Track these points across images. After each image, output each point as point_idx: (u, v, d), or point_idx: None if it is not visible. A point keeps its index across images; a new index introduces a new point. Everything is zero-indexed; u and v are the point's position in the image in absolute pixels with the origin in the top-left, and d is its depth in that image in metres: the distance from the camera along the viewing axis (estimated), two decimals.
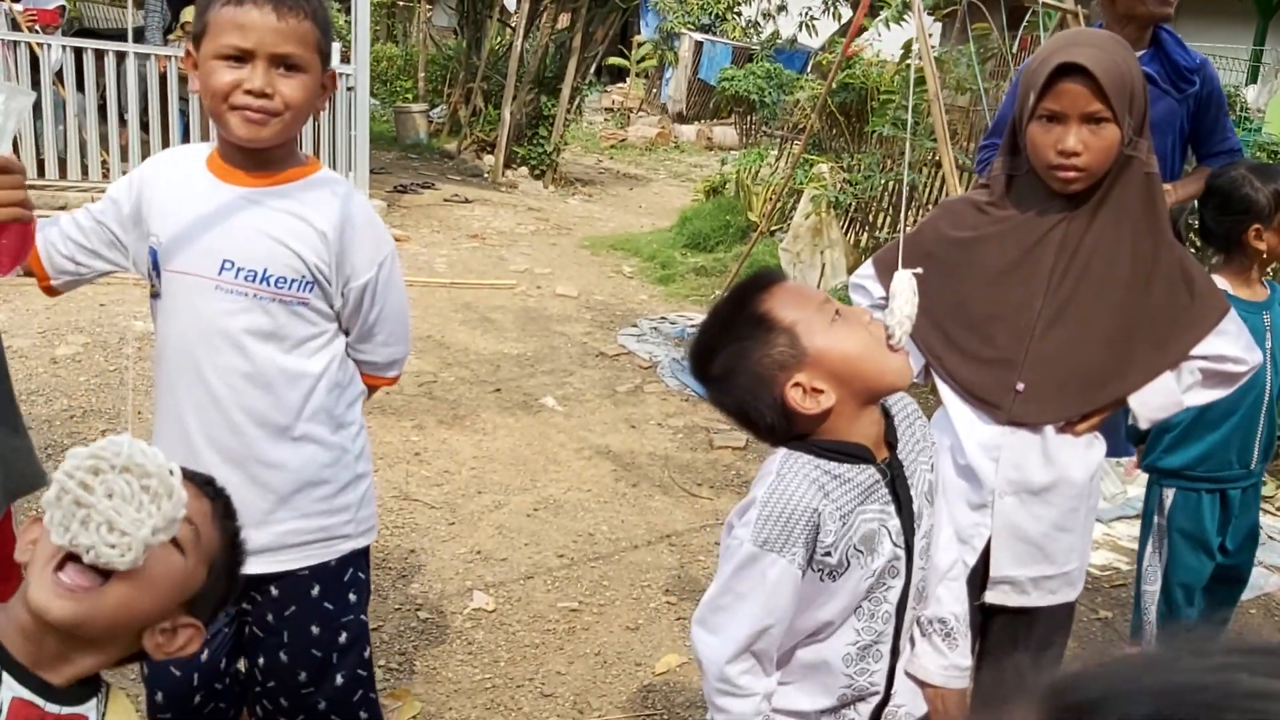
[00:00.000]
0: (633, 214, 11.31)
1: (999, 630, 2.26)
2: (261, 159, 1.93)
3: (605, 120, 19.54)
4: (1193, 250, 6.40)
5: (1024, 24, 6.55)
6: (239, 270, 1.91)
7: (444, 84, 14.98)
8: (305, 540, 2.03)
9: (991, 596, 2.19)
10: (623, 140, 17.62)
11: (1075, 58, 1.96)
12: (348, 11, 9.11)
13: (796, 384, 1.58)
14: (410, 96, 15.38)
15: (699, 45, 19.95)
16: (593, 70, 12.84)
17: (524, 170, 12.18)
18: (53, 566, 1.20)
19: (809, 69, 16.35)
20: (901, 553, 1.68)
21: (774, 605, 1.59)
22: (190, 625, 1.33)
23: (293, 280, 1.93)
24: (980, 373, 2.13)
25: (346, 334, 2.07)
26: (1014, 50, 7.03)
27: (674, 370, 5.93)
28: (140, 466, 1.22)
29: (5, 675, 1.19)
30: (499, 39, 14.38)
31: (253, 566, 1.65)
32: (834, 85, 7.66)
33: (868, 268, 2.29)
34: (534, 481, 4.38)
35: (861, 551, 1.62)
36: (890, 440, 1.70)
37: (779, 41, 19.02)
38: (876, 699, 1.75)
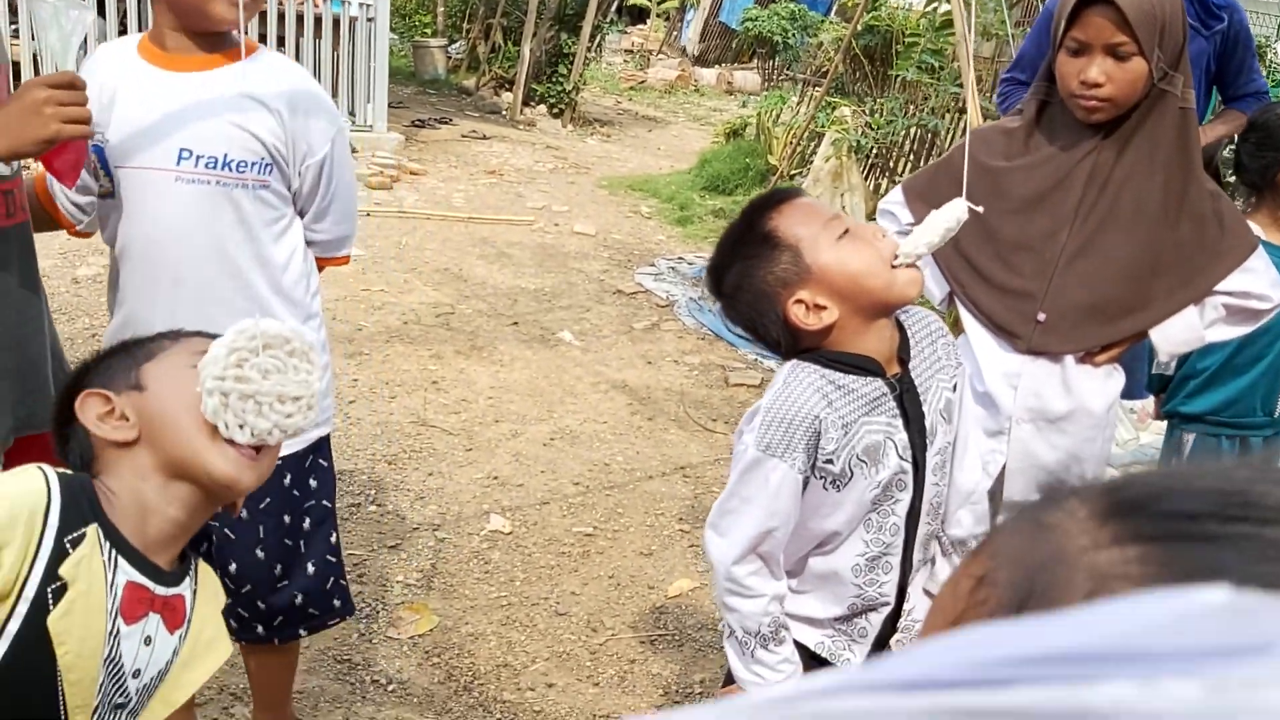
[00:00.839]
0: (651, 155, 11.26)
1: None
2: (210, 41, 1.89)
3: (625, 62, 19.36)
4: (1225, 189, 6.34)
5: None
6: (198, 158, 1.88)
7: (463, 19, 14.83)
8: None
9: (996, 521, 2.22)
10: (642, 82, 17.47)
11: None
12: None
13: (799, 300, 1.62)
14: (429, 31, 15.24)
15: None
16: (614, 9, 12.69)
17: (542, 109, 12.11)
18: (222, 440, 1.23)
19: (833, 11, 16.17)
20: (909, 466, 1.71)
21: (776, 508, 1.64)
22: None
23: (253, 163, 1.91)
24: (1003, 302, 2.14)
25: (301, 215, 2.07)
26: None
27: (691, 309, 5.94)
28: (275, 337, 1.26)
29: (121, 560, 1.23)
30: None
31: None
32: (859, 28, 7.58)
33: (896, 194, 2.30)
34: (550, 412, 4.42)
35: (865, 462, 1.66)
36: (904, 356, 1.72)
37: None
38: (887, 609, 1.80)
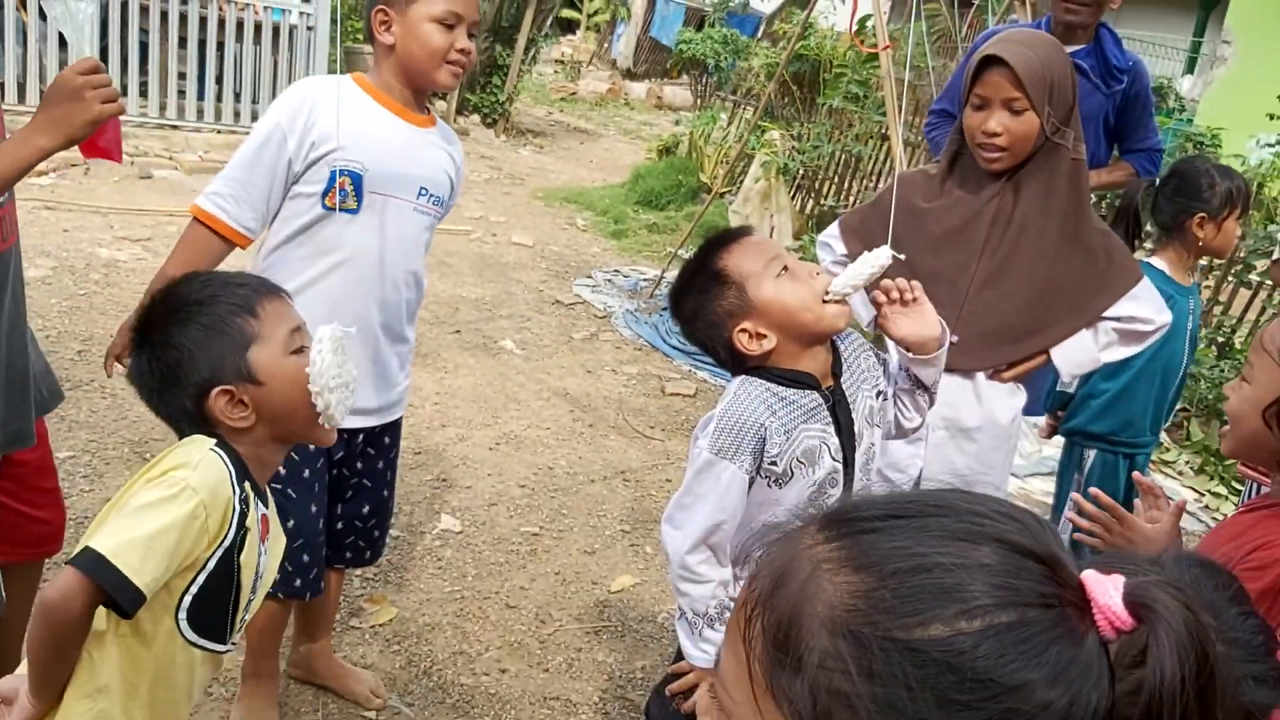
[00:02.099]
0: (584, 168, 11.49)
1: None
2: (421, 101, 2.42)
3: (555, 72, 19.58)
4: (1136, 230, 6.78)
5: (974, 8, 6.84)
6: (431, 196, 2.42)
7: None
8: (404, 398, 2.64)
9: None
10: (573, 94, 17.70)
11: (999, 52, 2.29)
12: None
13: (743, 329, 1.90)
14: (361, 37, 15.28)
15: (651, 2, 20.03)
16: (549, 22, 12.91)
17: (475, 118, 12.27)
18: (320, 420, 1.62)
19: (759, 34, 16.57)
20: (840, 466, 1.98)
21: (725, 504, 1.90)
22: None
23: (445, 201, 2.48)
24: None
25: None
26: (962, 32, 7.34)
27: (628, 321, 6.18)
28: (341, 340, 1.63)
29: (257, 501, 1.58)
30: None
31: (386, 416, 2.49)
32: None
33: (834, 229, 2.59)
34: (495, 418, 4.62)
35: (803, 463, 1.92)
36: (836, 371, 1.99)
37: (731, 5, 19.19)
38: None
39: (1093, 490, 1.83)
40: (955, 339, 2.42)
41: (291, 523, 2.39)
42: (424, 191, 2.39)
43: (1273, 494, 1.70)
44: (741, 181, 8.35)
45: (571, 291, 6.64)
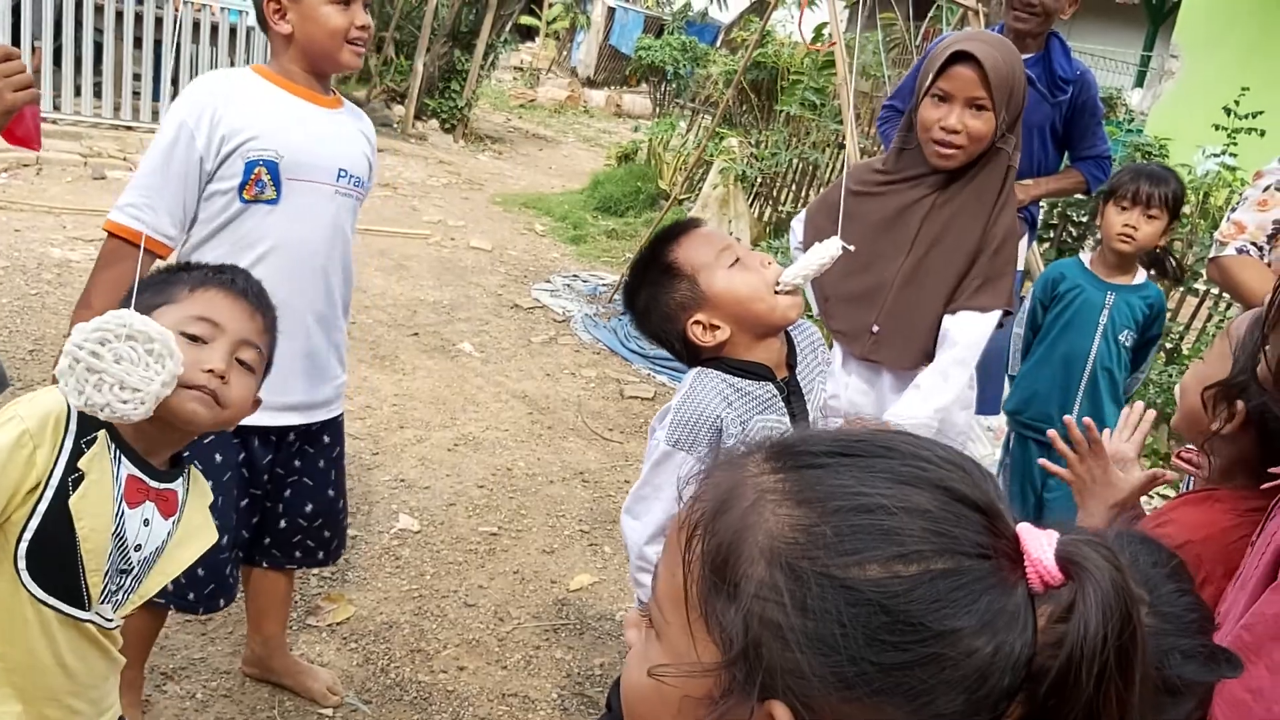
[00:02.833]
0: (543, 174, 11.50)
1: None
2: (325, 84, 2.39)
3: (514, 79, 19.56)
4: (1069, 239, 6.90)
5: (928, 17, 6.95)
6: (351, 177, 2.40)
7: None
8: (341, 394, 2.59)
9: None
10: (532, 100, 17.71)
11: (970, 48, 2.34)
12: None
13: (696, 321, 1.92)
14: None
15: (611, 11, 20.11)
16: (508, 28, 12.92)
17: (434, 123, 12.24)
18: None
19: (718, 43, 16.68)
20: None
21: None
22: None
23: (365, 181, 2.47)
24: (847, 308, 2.51)
25: None
26: (917, 41, 7.45)
27: (586, 325, 6.20)
28: (143, 334, 1.47)
29: (124, 458, 1.53)
30: None
31: (321, 413, 2.41)
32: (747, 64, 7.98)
33: (801, 217, 2.65)
34: (454, 419, 4.62)
35: None
36: (791, 363, 2.02)
37: (690, 14, 19.30)
38: None
39: (1085, 419, 1.87)
40: (877, 329, 2.49)
41: (310, 507, 2.43)
42: (343, 173, 2.36)
43: (1199, 485, 1.76)
44: (700, 188, 8.40)
45: (530, 296, 6.65)
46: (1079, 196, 6.63)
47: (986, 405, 3.54)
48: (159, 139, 2.23)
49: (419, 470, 4.09)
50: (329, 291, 2.41)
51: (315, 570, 3.30)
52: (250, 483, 2.45)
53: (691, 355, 1.97)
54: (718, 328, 1.90)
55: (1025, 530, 0.70)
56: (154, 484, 1.57)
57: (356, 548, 3.49)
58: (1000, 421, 5.05)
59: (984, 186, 2.46)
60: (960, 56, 2.34)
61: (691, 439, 1.90)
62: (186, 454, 1.67)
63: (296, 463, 2.52)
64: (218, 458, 2.31)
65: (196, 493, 1.66)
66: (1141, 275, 3.32)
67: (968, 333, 2.50)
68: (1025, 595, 0.68)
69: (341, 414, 2.60)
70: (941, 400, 2.49)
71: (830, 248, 2.00)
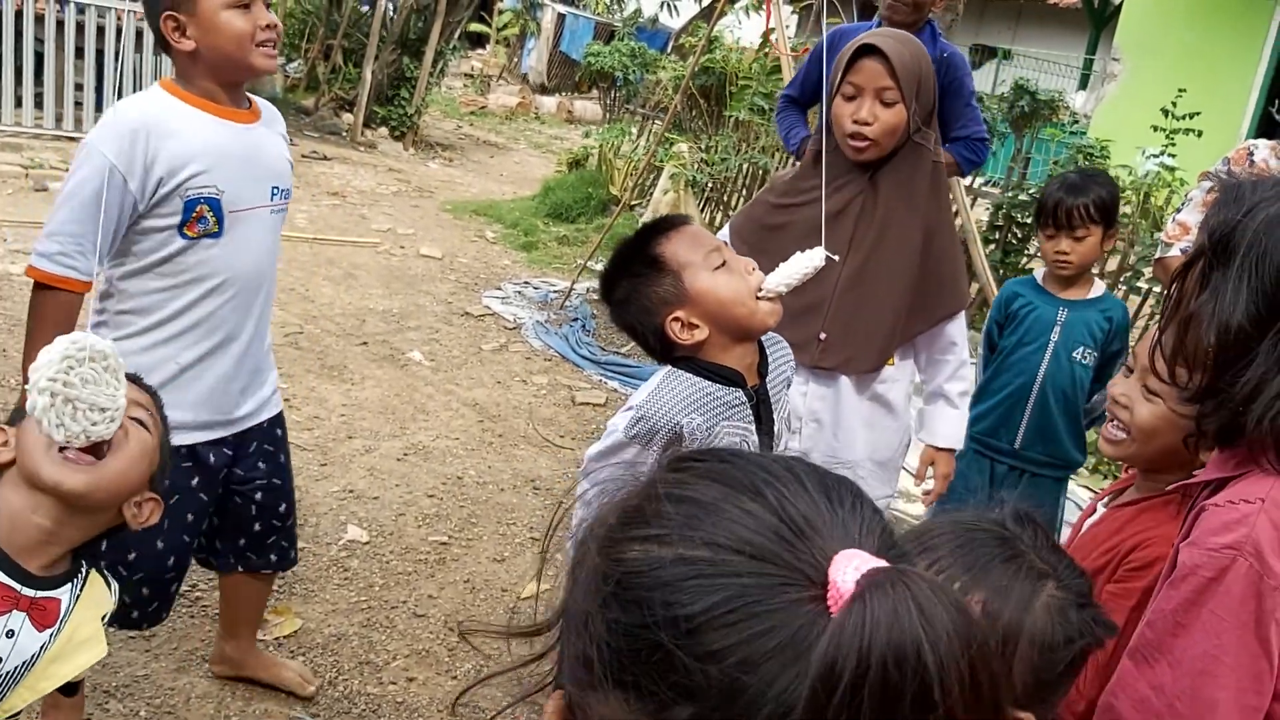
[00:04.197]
0: (494, 181, 11.46)
1: None
2: (239, 94, 2.30)
3: (465, 86, 19.48)
4: (1014, 240, 6.98)
5: (878, 22, 7.01)
6: (282, 192, 2.38)
7: (301, 38, 14.72)
8: (276, 387, 2.61)
9: None
10: (483, 107, 17.64)
11: (875, 42, 2.39)
12: None
13: (676, 318, 1.90)
14: None
15: (561, 17, 20.09)
16: (457, 35, 12.86)
17: (384, 131, 12.15)
18: (54, 450, 1.41)
19: (669, 49, 16.73)
20: None
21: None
22: (153, 498, 1.56)
23: (290, 189, 2.43)
24: (792, 325, 2.51)
25: None
26: None
27: (538, 332, 6.19)
28: (99, 352, 1.44)
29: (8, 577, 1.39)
30: None
31: (269, 410, 2.47)
32: (695, 69, 8.01)
33: (724, 232, 2.65)
34: (403, 429, 4.59)
35: None
36: (762, 371, 2.03)
37: (640, 20, 19.33)
38: None
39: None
40: (824, 335, 2.51)
41: (133, 555, 2.28)
42: (276, 190, 2.35)
43: (1138, 490, 1.79)
44: (651, 194, 8.41)
45: (481, 303, 6.62)
46: (1023, 198, 6.74)
47: None
48: (82, 180, 2.08)
49: (368, 481, 4.06)
50: (266, 301, 2.44)
51: None
52: (207, 501, 2.43)
53: (664, 352, 1.96)
54: (696, 327, 1.89)
55: (844, 555, 0.67)
56: (27, 591, 1.44)
57: (304, 560, 3.45)
58: None
59: (911, 182, 2.49)
60: (866, 51, 2.38)
61: (649, 438, 1.89)
62: (88, 557, 1.55)
63: (261, 465, 2.53)
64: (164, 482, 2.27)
65: (89, 601, 1.53)
66: (1099, 288, 3.26)
67: (956, 339, 2.65)
68: (813, 614, 0.64)
69: (281, 406, 2.64)
70: (966, 410, 2.68)
71: (814, 258, 2.00)
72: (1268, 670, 1.28)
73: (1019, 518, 1.26)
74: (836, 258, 2.13)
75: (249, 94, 2.37)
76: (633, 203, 8.52)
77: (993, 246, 6.93)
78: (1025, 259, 7.07)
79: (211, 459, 2.39)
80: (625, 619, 0.67)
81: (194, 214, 2.18)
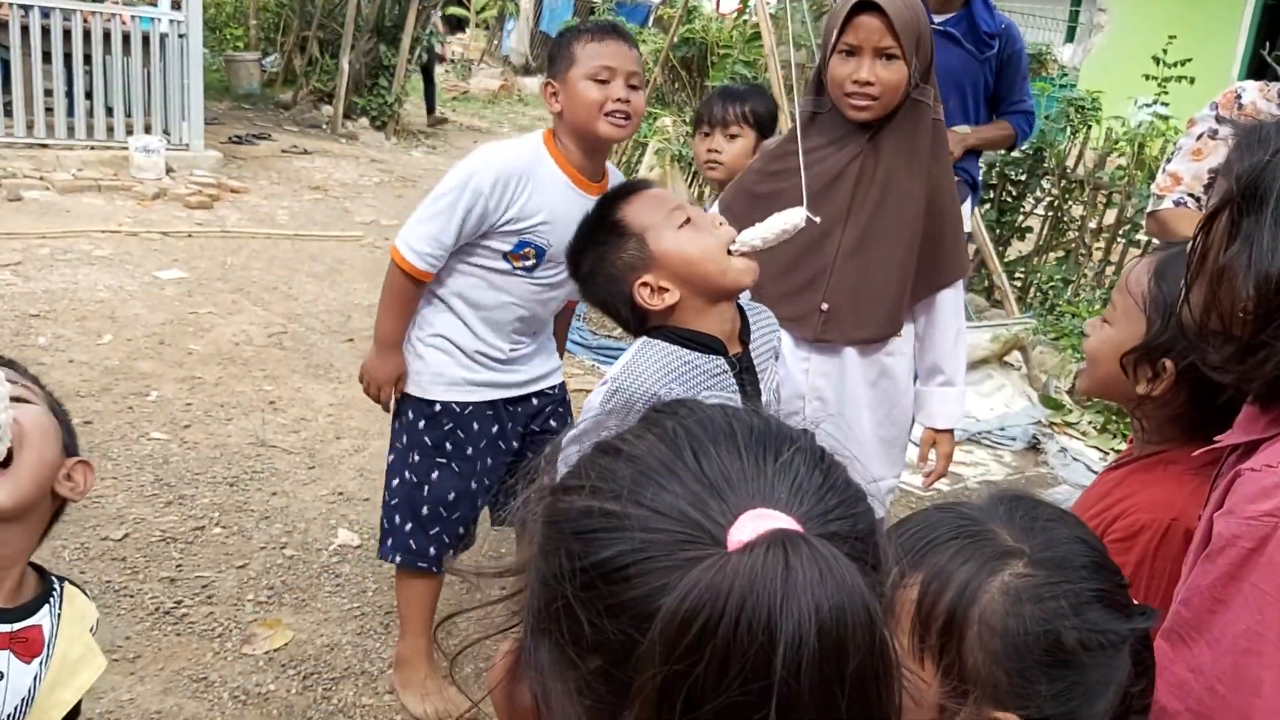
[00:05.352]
0: None
1: None
2: (598, 162, 2.56)
3: (446, 71, 19.27)
4: (1009, 198, 6.85)
5: None
6: None
7: (277, 32, 14.52)
8: (560, 367, 2.94)
9: None
10: (465, 92, 17.46)
11: None
12: None
13: (644, 283, 1.80)
14: (241, 45, 14.86)
15: None
16: (433, 21, 12.67)
17: (364, 121, 12.00)
18: None
19: (650, 23, 16.52)
20: None
21: None
22: (79, 463, 1.45)
23: None
24: (790, 301, 2.39)
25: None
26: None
27: None
28: None
29: None
30: None
31: (556, 377, 2.86)
32: (675, 40, 7.85)
33: (714, 208, 2.52)
34: None
35: None
36: (745, 339, 1.91)
37: None
38: None
39: None
40: (826, 306, 2.38)
41: (452, 495, 2.71)
42: None
43: (1135, 449, 1.67)
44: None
45: None
46: (1015, 155, 6.61)
47: None
48: (453, 191, 2.45)
49: (358, 482, 3.95)
50: (548, 327, 2.82)
51: (250, 596, 3.17)
52: (505, 450, 2.77)
53: (638, 322, 1.86)
54: (666, 290, 1.79)
55: (753, 513, 0.65)
56: (3, 627, 1.35)
57: (294, 568, 3.35)
58: None
59: (912, 141, 2.35)
60: (862, 7, 2.24)
61: (625, 414, 1.78)
62: (53, 577, 1.45)
63: (553, 423, 2.81)
64: (475, 426, 2.69)
65: (72, 618, 1.43)
66: None
67: (956, 308, 2.52)
68: (711, 561, 0.64)
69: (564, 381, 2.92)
70: (964, 385, 2.58)
71: (794, 216, 1.89)
72: None
73: (997, 497, 1.11)
74: (818, 219, 2.00)
75: (609, 165, 2.67)
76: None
77: (988, 205, 6.80)
78: (1021, 217, 6.95)
79: (508, 411, 2.73)
80: (544, 567, 0.68)
81: (522, 251, 2.52)
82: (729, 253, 1.82)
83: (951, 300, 2.51)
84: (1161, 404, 1.58)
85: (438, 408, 2.67)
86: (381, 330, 2.65)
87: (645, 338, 1.84)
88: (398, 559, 2.74)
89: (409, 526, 2.72)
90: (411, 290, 2.60)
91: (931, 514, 1.10)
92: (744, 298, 2.43)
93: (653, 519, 0.66)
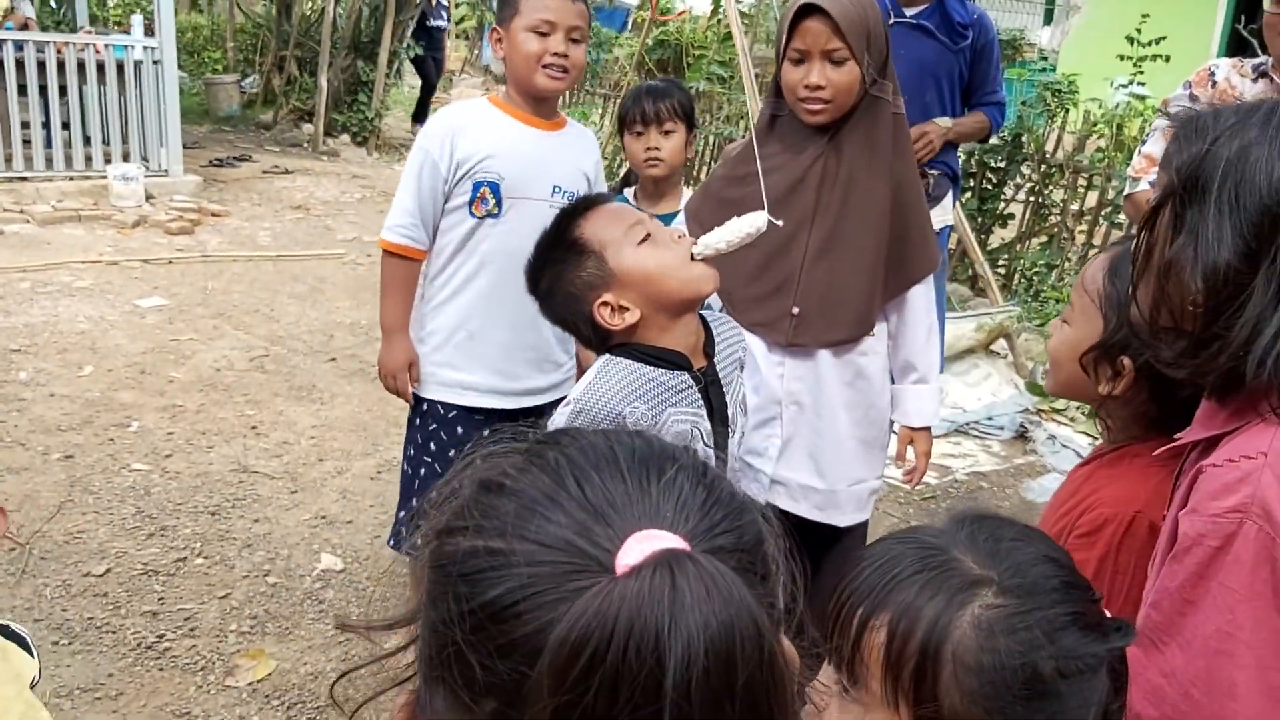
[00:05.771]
0: None
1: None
2: (545, 108, 2.65)
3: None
4: (989, 186, 6.83)
5: None
6: (566, 192, 2.63)
7: (255, 53, 14.49)
8: (571, 378, 2.88)
9: (769, 497, 2.43)
10: (447, 103, 17.44)
11: (815, 0, 2.19)
12: None
13: (604, 302, 1.76)
14: (220, 68, 14.82)
15: None
16: (410, 33, 12.65)
17: (345, 138, 11.97)
18: None
19: (629, 27, 16.52)
20: (713, 454, 1.87)
21: None
22: None
23: (576, 194, 2.62)
24: (760, 306, 2.36)
25: None
26: None
27: None
28: None
29: None
30: (310, 4, 14.00)
31: (550, 395, 2.78)
32: (650, 42, 7.83)
33: (680, 218, 2.50)
34: (375, 445, 4.45)
35: None
36: (709, 351, 1.88)
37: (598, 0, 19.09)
38: None
39: None
40: (796, 310, 2.35)
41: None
42: (558, 189, 2.63)
43: (1105, 443, 1.65)
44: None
45: None
46: (994, 142, 6.59)
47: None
48: (409, 166, 2.64)
49: (341, 505, 3.92)
50: (527, 309, 2.64)
51: (233, 626, 3.14)
52: None
53: (600, 340, 1.82)
54: (627, 309, 1.76)
55: (640, 535, 0.64)
56: None
57: (277, 596, 3.32)
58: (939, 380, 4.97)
59: (872, 138, 2.32)
60: (807, 10, 2.21)
61: None
62: None
63: None
64: (459, 430, 2.73)
65: (7, 678, 1.38)
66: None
67: (927, 304, 2.48)
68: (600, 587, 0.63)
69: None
70: (938, 380, 2.54)
71: (755, 220, 1.86)
72: None
73: (958, 520, 1.07)
74: (780, 222, 1.98)
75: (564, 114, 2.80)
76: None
77: (969, 194, 6.78)
78: (1002, 204, 6.93)
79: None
80: (433, 614, 0.67)
81: (478, 194, 2.57)
82: (691, 258, 1.80)
83: (922, 296, 2.48)
84: (1124, 402, 1.55)
85: (425, 406, 2.80)
86: (383, 318, 2.78)
87: (608, 355, 1.81)
88: (399, 545, 2.86)
89: (403, 515, 2.86)
90: (401, 270, 2.70)
91: (891, 546, 1.06)
92: (714, 302, 2.41)
93: (539, 552, 0.65)
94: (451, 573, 0.67)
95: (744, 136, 7.26)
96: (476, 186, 2.58)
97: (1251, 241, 1.12)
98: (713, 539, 0.66)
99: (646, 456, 0.71)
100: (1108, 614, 1.05)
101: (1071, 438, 5.05)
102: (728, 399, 1.90)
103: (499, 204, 2.59)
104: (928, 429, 2.55)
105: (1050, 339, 1.67)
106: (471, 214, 2.60)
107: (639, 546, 0.63)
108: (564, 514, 0.66)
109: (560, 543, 0.65)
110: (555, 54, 2.52)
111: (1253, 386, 1.15)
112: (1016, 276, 6.77)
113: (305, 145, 11.71)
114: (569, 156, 2.70)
